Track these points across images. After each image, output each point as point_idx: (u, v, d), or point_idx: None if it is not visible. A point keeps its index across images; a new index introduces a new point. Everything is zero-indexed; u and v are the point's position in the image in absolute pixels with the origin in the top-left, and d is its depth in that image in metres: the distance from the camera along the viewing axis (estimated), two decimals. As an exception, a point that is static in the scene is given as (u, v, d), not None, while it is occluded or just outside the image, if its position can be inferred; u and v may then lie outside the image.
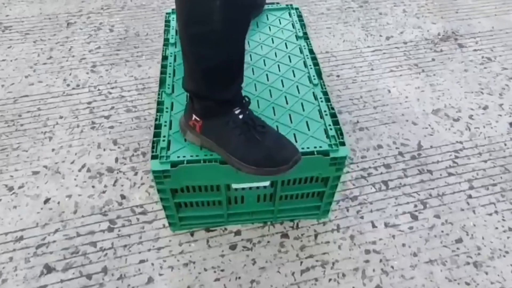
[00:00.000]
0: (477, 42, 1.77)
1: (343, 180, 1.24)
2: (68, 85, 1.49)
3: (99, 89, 1.48)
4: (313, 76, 1.09)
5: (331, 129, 0.97)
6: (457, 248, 1.10)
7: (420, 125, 1.41)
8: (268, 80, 1.09)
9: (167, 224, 1.11)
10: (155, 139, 0.93)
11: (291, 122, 0.99)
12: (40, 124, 1.36)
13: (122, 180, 1.22)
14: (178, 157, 0.90)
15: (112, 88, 1.49)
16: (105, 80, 1.51)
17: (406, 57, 1.68)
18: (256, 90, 1.07)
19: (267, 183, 0.98)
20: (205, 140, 0.90)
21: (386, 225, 1.15)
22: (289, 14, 1.30)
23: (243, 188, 1.00)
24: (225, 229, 1.12)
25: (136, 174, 1.23)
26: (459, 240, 1.12)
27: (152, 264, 1.05)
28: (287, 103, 1.03)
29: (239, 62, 0.84)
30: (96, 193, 1.19)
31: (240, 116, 0.87)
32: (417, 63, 1.66)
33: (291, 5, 1.33)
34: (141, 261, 1.05)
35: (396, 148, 1.34)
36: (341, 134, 0.96)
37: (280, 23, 1.27)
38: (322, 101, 1.04)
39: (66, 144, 1.30)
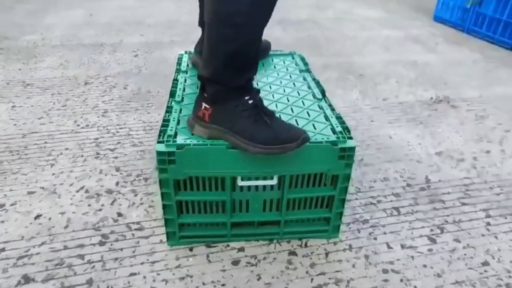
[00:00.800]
0: (469, 105, 1.87)
1: (352, 206, 1.18)
2: (78, 125, 1.53)
3: (107, 129, 1.52)
4: (317, 93, 1.14)
5: (337, 126, 0.97)
6: (485, 271, 0.99)
7: (425, 163, 1.41)
8: (273, 97, 1.14)
9: (164, 240, 1.03)
10: (162, 128, 0.93)
11: (298, 124, 1.00)
12: (44, 154, 1.35)
13: (120, 200, 1.16)
14: (185, 140, 0.89)
15: (121, 128, 1.53)
16: (114, 122, 1.56)
17: (403, 113, 1.76)
18: (262, 102, 1.11)
19: (274, 182, 0.94)
20: (213, 128, 0.90)
21: (402, 246, 1.05)
22: (292, 57, 1.42)
23: (249, 189, 0.95)
24: (227, 245, 1.03)
25: (136, 195, 1.18)
26: (486, 263, 1.01)
27: (144, 277, 0.93)
28: (292, 111, 1.06)
29: (255, 52, 0.89)
30: (91, 211, 1.12)
31: (250, 102, 0.88)
32: (414, 118, 1.73)
33: (294, 51, 1.46)
34: (132, 274, 0.94)
35: (404, 180, 1.31)
36: (348, 131, 0.96)
37: (284, 63, 1.38)
38: (327, 109, 1.06)
39: (67, 170, 1.28)
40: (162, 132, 0.92)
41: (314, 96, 1.14)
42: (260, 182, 0.94)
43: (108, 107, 1.67)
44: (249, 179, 0.93)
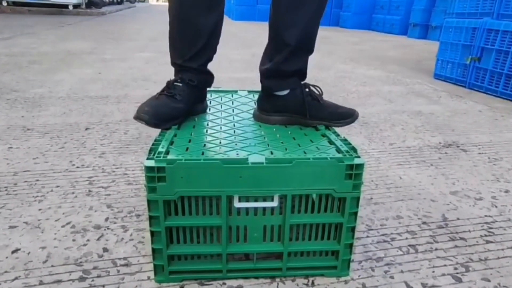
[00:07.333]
0: (480, 149, 1.80)
1: (364, 243, 1.06)
2: (73, 165, 1.48)
3: (103, 169, 1.45)
4: (319, 126, 1.08)
5: (343, 147, 0.91)
6: (523, 313, 0.85)
7: (440, 202, 1.30)
8: (274, 129, 1.07)
9: (153, 276, 0.91)
10: (153, 147, 0.87)
11: (300, 146, 0.93)
12: (33, 191, 1.28)
13: (108, 236, 1.06)
14: (177, 156, 0.82)
15: (117, 168, 1.46)
16: (110, 163, 1.50)
17: (412, 156, 1.69)
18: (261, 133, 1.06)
19: (275, 203, 0.85)
20: None
21: (424, 285, 0.92)
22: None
23: (247, 212, 0.86)
24: (224, 283, 0.90)
25: (125, 231, 1.08)
26: (523, 304, 0.87)
27: (126, 316, 0.80)
28: (294, 139, 0.99)
29: (189, 36, 1.01)
30: (75, 246, 1.01)
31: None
32: (424, 160, 1.65)
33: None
34: (112, 313, 0.81)
35: (419, 218, 1.20)
36: (355, 151, 0.89)
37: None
38: (330, 135, 1.00)
39: (55, 206, 1.19)
40: (152, 150, 0.86)
41: (316, 128, 1.08)
42: (259, 204, 0.85)
43: (106, 149, 1.63)
44: (247, 200, 0.84)
